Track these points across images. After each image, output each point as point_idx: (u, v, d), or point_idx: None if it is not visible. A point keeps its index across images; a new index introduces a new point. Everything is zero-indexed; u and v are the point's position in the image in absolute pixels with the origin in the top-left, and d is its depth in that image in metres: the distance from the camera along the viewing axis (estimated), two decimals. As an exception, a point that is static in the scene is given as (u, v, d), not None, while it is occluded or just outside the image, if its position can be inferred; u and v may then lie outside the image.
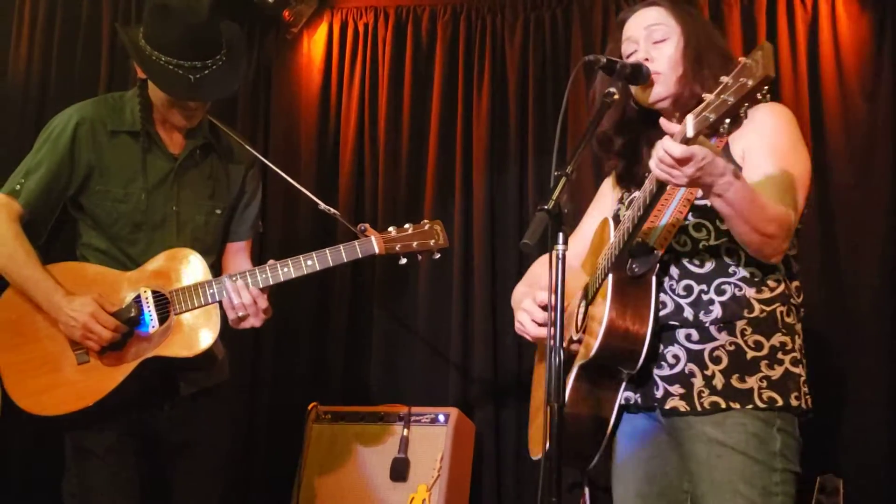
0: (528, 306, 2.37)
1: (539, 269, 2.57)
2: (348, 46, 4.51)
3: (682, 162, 1.91)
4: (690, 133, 1.87)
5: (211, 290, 2.76)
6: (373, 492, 3.72)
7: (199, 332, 2.76)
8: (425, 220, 2.94)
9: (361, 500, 3.72)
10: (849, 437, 3.71)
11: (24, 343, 2.74)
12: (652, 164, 1.98)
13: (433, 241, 2.89)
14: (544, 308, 2.34)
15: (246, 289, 2.74)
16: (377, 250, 2.83)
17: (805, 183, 2.21)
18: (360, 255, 2.82)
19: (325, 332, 4.36)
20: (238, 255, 3.02)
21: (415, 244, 2.87)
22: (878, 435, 3.70)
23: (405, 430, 3.77)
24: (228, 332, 2.84)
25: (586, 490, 3.53)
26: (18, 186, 2.80)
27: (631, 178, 2.41)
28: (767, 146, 2.17)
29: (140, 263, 2.82)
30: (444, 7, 4.43)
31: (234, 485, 3.83)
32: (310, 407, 3.96)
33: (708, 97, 1.85)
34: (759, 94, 1.78)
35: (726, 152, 2.21)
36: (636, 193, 2.37)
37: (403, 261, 2.89)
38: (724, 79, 1.82)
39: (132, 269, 2.81)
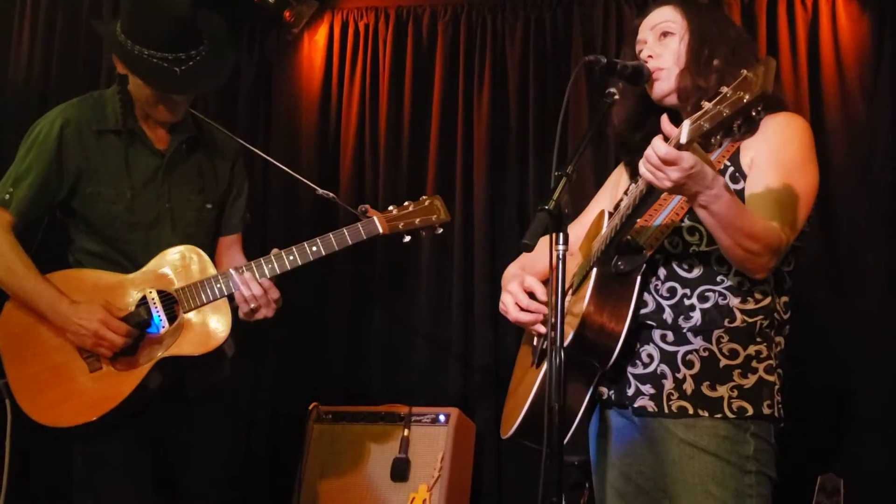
0: (514, 289, 2.36)
1: (535, 252, 2.57)
2: (349, 47, 4.52)
3: (667, 163, 1.89)
4: (684, 139, 1.86)
5: (218, 285, 2.72)
6: (374, 492, 3.72)
7: (210, 329, 2.72)
8: (425, 196, 2.91)
9: (362, 501, 3.73)
10: (850, 436, 3.71)
11: (31, 356, 2.68)
12: (641, 163, 1.96)
13: (435, 216, 2.87)
14: (530, 294, 2.34)
15: (255, 280, 2.71)
16: (381, 230, 2.81)
17: (808, 201, 2.17)
18: (365, 237, 2.80)
19: (325, 333, 4.36)
20: (230, 248, 3.00)
21: (417, 221, 2.85)
22: (879, 434, 3.70)
23: (406, 431, 3.78)
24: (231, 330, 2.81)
25: (586, 489, 3.54)
26: (8, 196, 2.73)
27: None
28: (774, 159, 2.15)
29: (137, 263, 2.77)
30: (445, 7, 4.44)
31: (236, 484, 3.83)
32: (311, 407, 3.96)
33: (706, 105, 1.83)
34: (753, 111, 1.76)
35: (735, 159, 2.20)
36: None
37: (407, 239, 2.86)
38: (724, 89, 1.81)
39: (130, 270, 2.76)
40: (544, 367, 2.22)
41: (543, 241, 1.94)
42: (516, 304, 2.35)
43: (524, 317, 2.34)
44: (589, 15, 4.24)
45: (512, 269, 2.55)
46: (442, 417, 3.80)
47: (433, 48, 4.44)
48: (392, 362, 4.31)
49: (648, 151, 1.92)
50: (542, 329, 2.33)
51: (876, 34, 3.93)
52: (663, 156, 1.89)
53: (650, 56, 2.28)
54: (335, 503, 3.76)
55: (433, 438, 3.76)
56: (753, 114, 1.78)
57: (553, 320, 1.91)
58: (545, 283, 2.42)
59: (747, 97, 1.76)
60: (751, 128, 2.18)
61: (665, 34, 2.29)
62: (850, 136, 3.91)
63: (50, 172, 2.75)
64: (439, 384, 4.21)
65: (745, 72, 1.80)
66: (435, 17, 4.45)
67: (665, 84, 2.26)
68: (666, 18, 2.31)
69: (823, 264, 3.87)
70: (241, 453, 4.14)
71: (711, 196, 1.96)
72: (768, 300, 2.19)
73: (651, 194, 2.06)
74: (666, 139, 1.92)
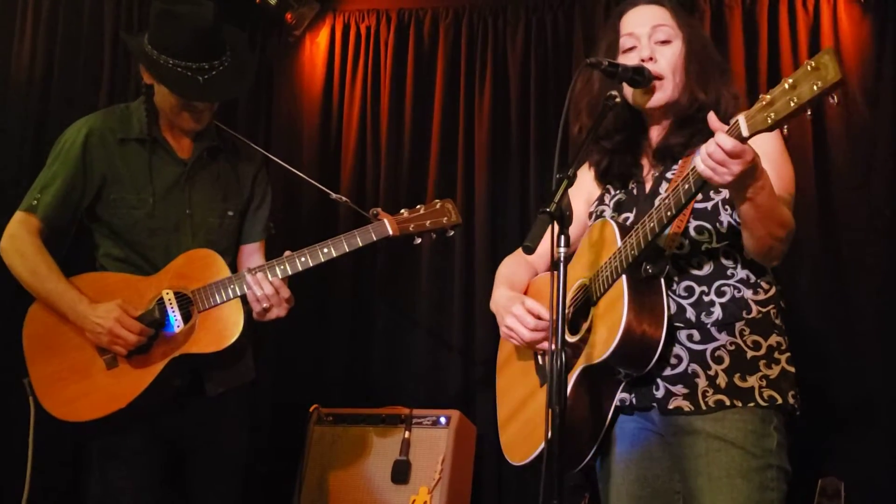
0: (519, 311, 2.34)
1: (509, 271, 2.57)
2: (350, 49, 4.52)
3: (733, 156, 1.92)
4: (746, 133, 1.90)
5: (232, 286, 2.79)
6: (374, 494, 3.72)
7: (224, 328, 2.78)
8: (436, 200, 2.97)
9: (363, 503, 3.72)
10: (850, 439, 3.71)
11: (53, 355, 2.78)
12: (697, 159, 1.98)
13: (446, 218, 2.93)
14: (534, 315, 2.33)
15: (266, 280, 2.77)
16: (391, 232, 2.87)
17: (793, 190, 2.25)
18: (375, 239, 2.86)
19: (326, 334, 4.36)
20: (252, 256, 3.05)
21: (428, 223, 2.91)
22: (880, 437, 3.69)
23: (406, 433, 3.77)
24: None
25: (587, 493, 3.54)
26: (35, 202, 2.85)
27: (614, 176, 2.41)
28: (760, 153, 2.14)
29: (158, 268, 2.85)
30: (446, 9, 4.44)
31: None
32: (311, 409, 3.96)
33: (766, 98, 1.86)
34: (830, 98, 1.80)
35: None
36: (619, 194, 2.38)
37: (418, 241, 2.93)
38: (788, 80, 1.83)
39: (152, 274, 2.85)
40: (570, 384, 2.21)
41: (514, 257, 1.94)
42: (524, 326, 2.33)
43: (537, 336, 2.32)
44: (590, 17, 4.24)
45: (504, 293, 2.49)
46: (443, 420, 3.80)
47: (434, 50, 4.44)
48: (393, 364, 4.31)
49: (711, 147, 1.94)
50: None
51: (877, 37, 3.92)
52: (730, 149, 1.92)
53: (649, 58, 2.28)
54: (336, 505, 3.77)
55: (434, 441, 3.76)
56: (831, 100, 1.80)
57: (553, 324, 1.91)
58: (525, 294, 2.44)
59: (820, 84, 1.78)
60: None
61: (664, 42, 2.30)
62: (852, 138, 3.91)
63: (75, 179, 2.86)
64: (440, 386, 4.22)
65: (808, 62, 1.81)
66: (436, 20, 4.46)
67: (662, 94, 2.28)
68: (663, 22, 2.32)
69: (824, 266, 3.87)
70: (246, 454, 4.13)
71: (758, 187, 2.01)
72: (773, 290, 2.26)
73: (700, 191, 2.08)
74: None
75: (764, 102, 1.86)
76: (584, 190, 2.49)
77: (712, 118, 1.98)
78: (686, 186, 2.06)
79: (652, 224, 2.13)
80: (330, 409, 3.96)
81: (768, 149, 2.19)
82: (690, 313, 2.21)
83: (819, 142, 3.91)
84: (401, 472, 3.71)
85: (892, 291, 3.78)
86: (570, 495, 3.56)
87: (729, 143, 1.92)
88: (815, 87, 1.79)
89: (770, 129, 1.87)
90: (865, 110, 3.90)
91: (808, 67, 1.80)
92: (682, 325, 2.21)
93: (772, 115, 1.85)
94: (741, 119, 1.90)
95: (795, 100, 1.81)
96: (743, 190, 2.01)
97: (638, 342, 2.13)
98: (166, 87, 2.83)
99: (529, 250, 1.91)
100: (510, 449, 2.47)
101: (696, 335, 2.21)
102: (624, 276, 2.16)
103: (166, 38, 2.81)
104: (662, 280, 2.18)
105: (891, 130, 3.87)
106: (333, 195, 3.17)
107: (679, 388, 2.20)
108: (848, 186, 3.89)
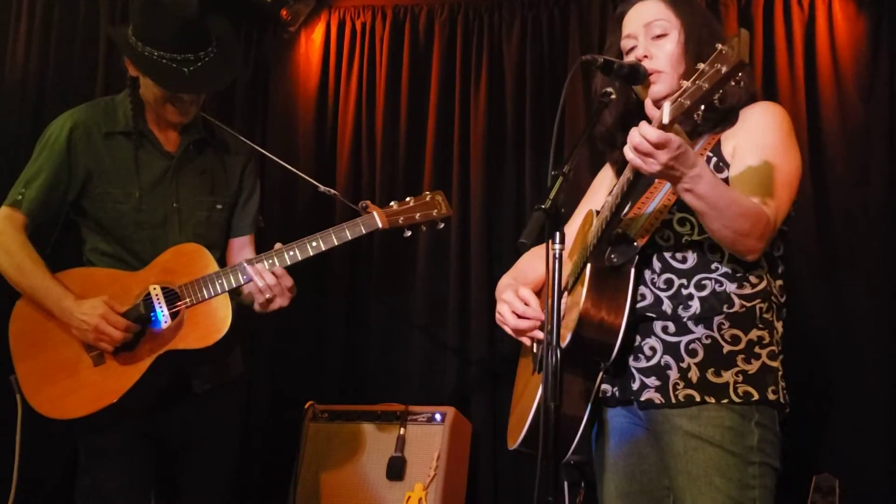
0: (510, 297, 2.36)
1: (525, 262, 2.59)
2: (346, 45, 4.52)
3: (658, 146, 1.90)
4: (666, 119, 1.88)
5: (220, 281, 2.75)
6: (369, 490, 3.72)
7: (212, 323, 2.74)
8: (426, 192, 2.93)
9: (358, 499, 3.73)
10: (845, 436, 3.72)
11: (39, 351, 2.75)
12: (626, 149, 1.97)
13: (436, 210, 2.88)
14: (524, 301, 2.34)
15: (267, 270, 2.74)
16: (380, 225, 2.83)
17: (793, 183, 2.19)
18: (364, 232, 2.82)
19: (322, 331, 4.36)
20: (242, 250, 3.02)
21: (418, 216, 2.87)
22: (875, 434, 3.70)
23: (402, 429, 3.78)
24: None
25: (582, 488, 3.54)
26: (20, 196, 2.81)
27: (623, 168, 2.41)
28: (755, 144, 2.17)
29: (146, 262, 2.82)
30: (442, 6, 4.44)
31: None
32: (306, 405, 3.96)
33: (684, 84, 1.86)
34: (732, 81, 1.79)
35: (717, 150, 2.21)
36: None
37: (408, 233, 2.88)
38: (701, 65, 1.84)
39: (139, 268, 2.81)
40: None
41: (535, 249, 1.94)
42: (513, 312, 2.35)
43: (522, 324, 2.34)
44: (585, 14, 4.24)
45: (505, 280, 2.55)
46: (438, 416, 3.80)
47: (430, 47, 4.44)
48: (388, 361, 4.31)
49: (636, 138, 1.92)
50: (540, 335, 2.32)
51: (872, 33, 3.93)
52: (654, 139, 1.90)
53: (645, 56, 2.27)
54: (331, 502, 3.76)
55: (429, 437, 3.76)
56: (733, 83, 1.80)
57: (549, 321, 1.90)
58: (539, 292, 2.43)
59: (724, 68, 1.78)
60: (731, 115, 2.22)
61: (659, 36, 2.28)
62: (847, 135, 3.91)
63: (60, 174, 2.83)
64: (435, 383, 4.22)
65: (719, 46, 1.81)
66: (432, 16, 4.45)
67: (662, 87, 2.25)
68: (659, 17, 2.29)
69: (821, 264, 3.88)
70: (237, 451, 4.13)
71: (695, 176, 1.97)
72: (764, 283, 2.21)
73: (638, 181, 2.07)
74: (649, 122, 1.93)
75: (683, 86, 1.86)
76: (605, 184, 2.52)
77: (648, 104, 1.97)
78: (628, 176, 2.06)
79: (606, 214, 2.15)
80: (325, 405, 3.96)
81: (764, 140, 2.18)
82: (667, 305, 2.20)
83: (815, 140, 3.91)
84: (396, 469, 3.71)
85: (891, 291, 3.79)
86: (566, 491, 3.56)
87: (653, 133, 1.90)
88: (720, 70, 1.79)
89: (687, 113, 1.85)
90: (860, 107, 3.91)
91: (720, 50, 1.80)
92: (656, 316, 2.20)
93: (687, 101, 1.84)
94: (666, 104, 1.89)
95: (706, 84, 1.81)
96: (677, 181, 1.99)
97: (596, 330, 2.13)
98: (151, 80, 2.78)
99: (524, 247, 1.91)
100: (508, 436, 2.48)
101: (672, 327, 2.19)
102: (588, 265, 2.17)
103: (150, 29, 2.76)
104: (632, 270, 2.17)
105: (886, 127, 3.88)
106: (322, 188, 3.13)
107: (652, 381, 2.19)
108: (845, 185, 3.89)
